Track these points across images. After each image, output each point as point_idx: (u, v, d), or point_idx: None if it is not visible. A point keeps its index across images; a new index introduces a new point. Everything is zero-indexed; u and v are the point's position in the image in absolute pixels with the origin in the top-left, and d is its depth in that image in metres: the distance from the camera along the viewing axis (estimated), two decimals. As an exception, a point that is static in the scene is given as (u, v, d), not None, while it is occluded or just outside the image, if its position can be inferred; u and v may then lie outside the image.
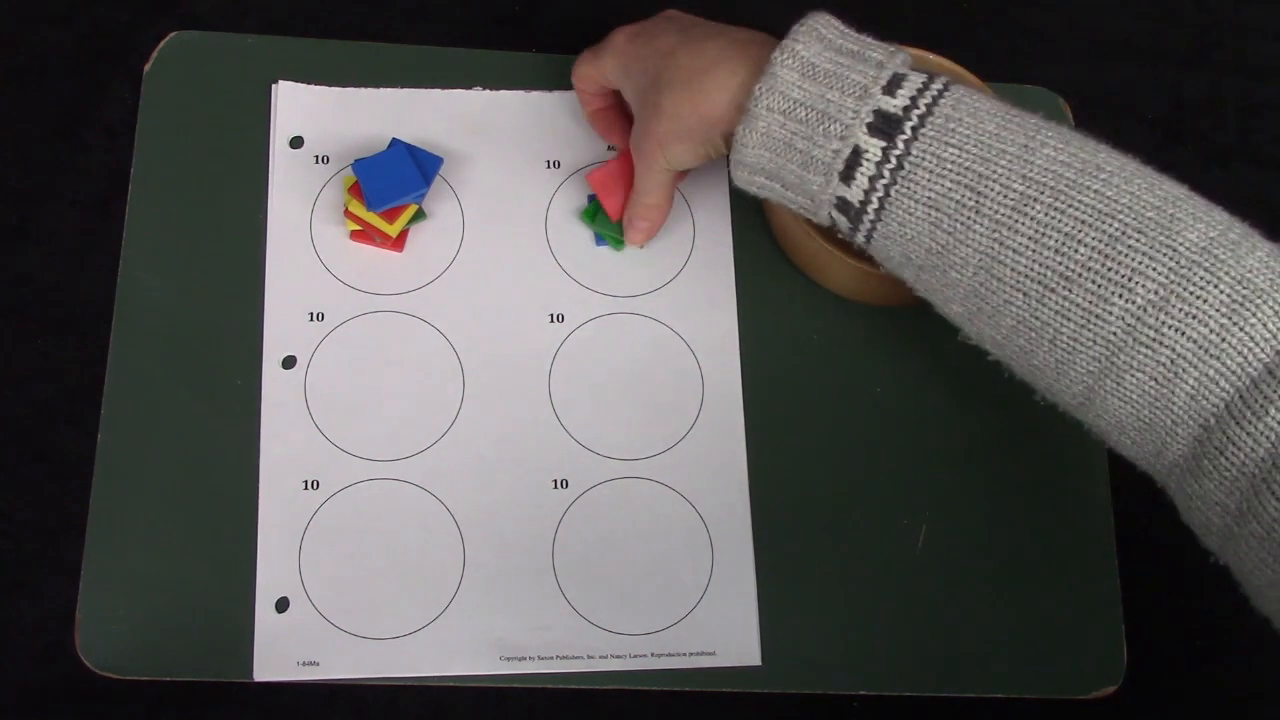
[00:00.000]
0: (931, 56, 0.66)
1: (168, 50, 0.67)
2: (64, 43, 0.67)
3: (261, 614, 0.60)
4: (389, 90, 0.67)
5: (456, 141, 0.67)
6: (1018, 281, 0.50)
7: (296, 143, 0.66)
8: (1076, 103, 0.73)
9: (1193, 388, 0.47)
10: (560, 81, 0.69)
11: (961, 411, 0.67)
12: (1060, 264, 0.49)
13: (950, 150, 0.50)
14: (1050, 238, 0.49)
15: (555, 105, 0.69)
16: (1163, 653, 0.65)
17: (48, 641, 0.59)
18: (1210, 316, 0.46)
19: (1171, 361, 0.47)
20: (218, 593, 0.60)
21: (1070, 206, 0.48)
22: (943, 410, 0.67)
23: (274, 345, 0.63)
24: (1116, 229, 0.48)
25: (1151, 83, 0.75)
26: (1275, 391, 0.45)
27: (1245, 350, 0.46)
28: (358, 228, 0.64)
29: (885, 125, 0.51)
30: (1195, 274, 0.47)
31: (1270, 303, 0.46)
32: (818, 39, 0.52)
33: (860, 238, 0.54)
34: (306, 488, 0.62)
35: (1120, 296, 0.48)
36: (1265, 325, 0.46)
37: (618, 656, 0.61)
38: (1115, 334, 0.48)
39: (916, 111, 0.51)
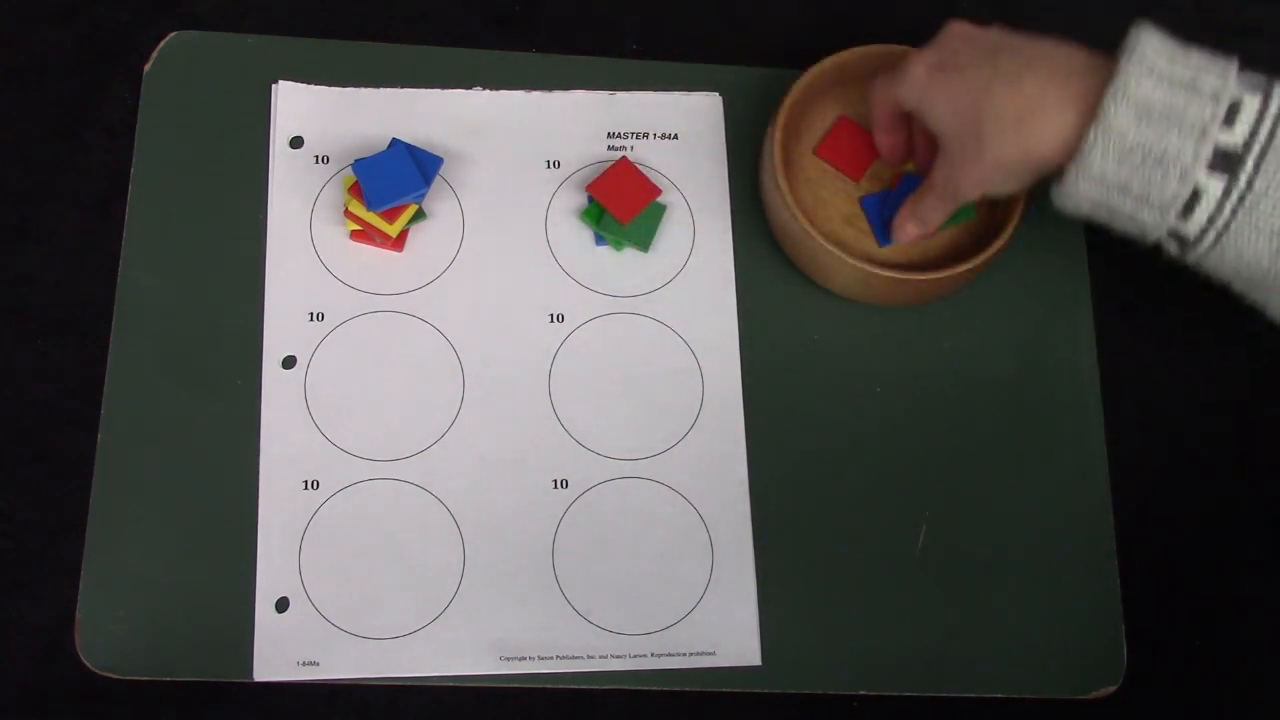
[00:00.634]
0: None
1: (168, 50, 0.67)
2: (64, 43, 0.67)
3: (261, 614, 0.60)
4: (389, 90, 0.67)
5: (456, 141, 0.67)
6: None
7: (296, 143, 0.66)
8: (1076, 103, 0.73)
9: None
10: (560, 81, 0.69)
11: (961, 411, 0.67)
12: None
13: None
14: None
15: (555, 105, 0.69)
16: (1163, 653, 0.65)
17: (48, 641, 0.59)
18: None
19: None
20: (218, 593, 0.60)
21: None
22: (943, 410, 0.67)
23: (274, 345, 0.63)
24: None
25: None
26: None
27: None
28: (358, 228, 0.64)
29: (1226, 161, 0.49)
30: None
31: None
32: (1148, 71, 0.50)
33: (1190, 260, 0.53)
34: (306, 488, 0.62)
35: None
36: None
37: (618, 656, 0.61)
38: None
39: (1258, 142, 0.49)
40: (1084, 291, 0.69)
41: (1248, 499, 0.68)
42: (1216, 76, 0.50)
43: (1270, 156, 0.49)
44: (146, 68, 0.67)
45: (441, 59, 0.69)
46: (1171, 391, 0.69)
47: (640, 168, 0.66)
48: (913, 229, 0.63)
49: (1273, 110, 0.49)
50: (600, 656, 0.61)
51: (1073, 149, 0.52)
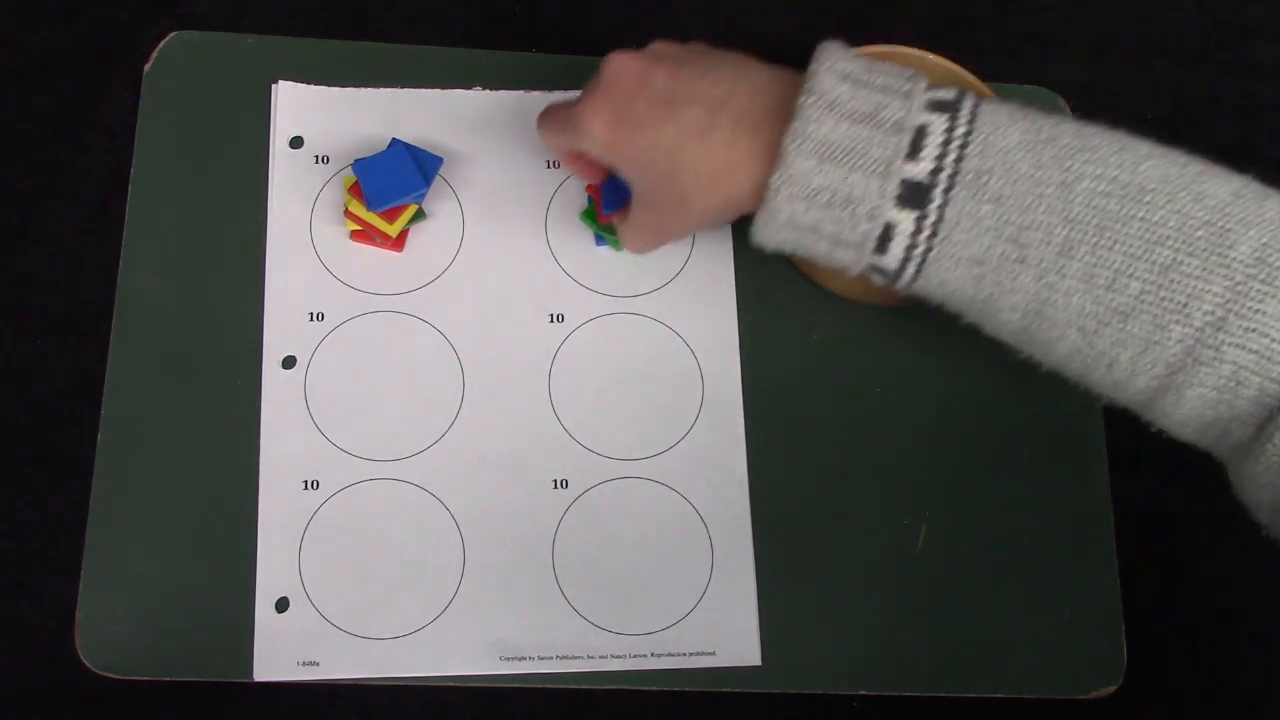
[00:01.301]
0: (931, 57, 0.66)
1: (168, 50, 0.67)
2: (64, 43, 0.67)
3: (261, 614, 0.60)
4: (389, 90, 0.67)
5: (456, 141, 0.67)
6: (1070, 319, 0.49)
7: (296, 143, 0.66)
8: (1076, 103, 0.73)
9: (1256, 392, 0.47)
10: (560, 82, 0.69)
11: (961, 411, 0.67)
12: (1113, 300, 0.47)
13: (986, 207, 0.48)
14: (1100, 276, 0.47)
15: (555, 105, 0.69)
16: (1163, 653, 0.65)
17: (48, 641, 0.59)
18: (1271, 327, 0.46)
19: (1234, 374, 0.47)
20: (218, 593, 0.60)
21: (1117, 243, 0.47)
22: (943, 410, 0.67)
23: (274, 345, 0.63)
24: (1167, 257, 0.46)
25: (1151, 83, 0.75)
26: None
27: None
28: (358, 228, 0.64)
29: (914, 195, 0.48)
30: (1252, 288, 0.46)
31: None
32: (828, 108, 0.48)
33: (900, 288, 0.52)
34: (306, 488, 0.62)
35: (1177, 323, 0.47)
36: None
37: (618, 656, 0.61)
38: (1174, 356, 0.47)
39: (944, 173, 0.48)
40: (1084, 291, 0.69)
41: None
42: (900, 100, 0.49)
43: (959, 186, 0.48)
44: (146, 68, 0.67)
45: (441, 59, 0.69)
46: (1171, 391, 0.69)
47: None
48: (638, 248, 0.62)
49: (959, 134, 0.48)
50: (600, 656, 0.61)
51: (762, 199, 0.51)
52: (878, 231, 0.49)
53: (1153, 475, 0.68)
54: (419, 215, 0.65)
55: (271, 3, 0.69)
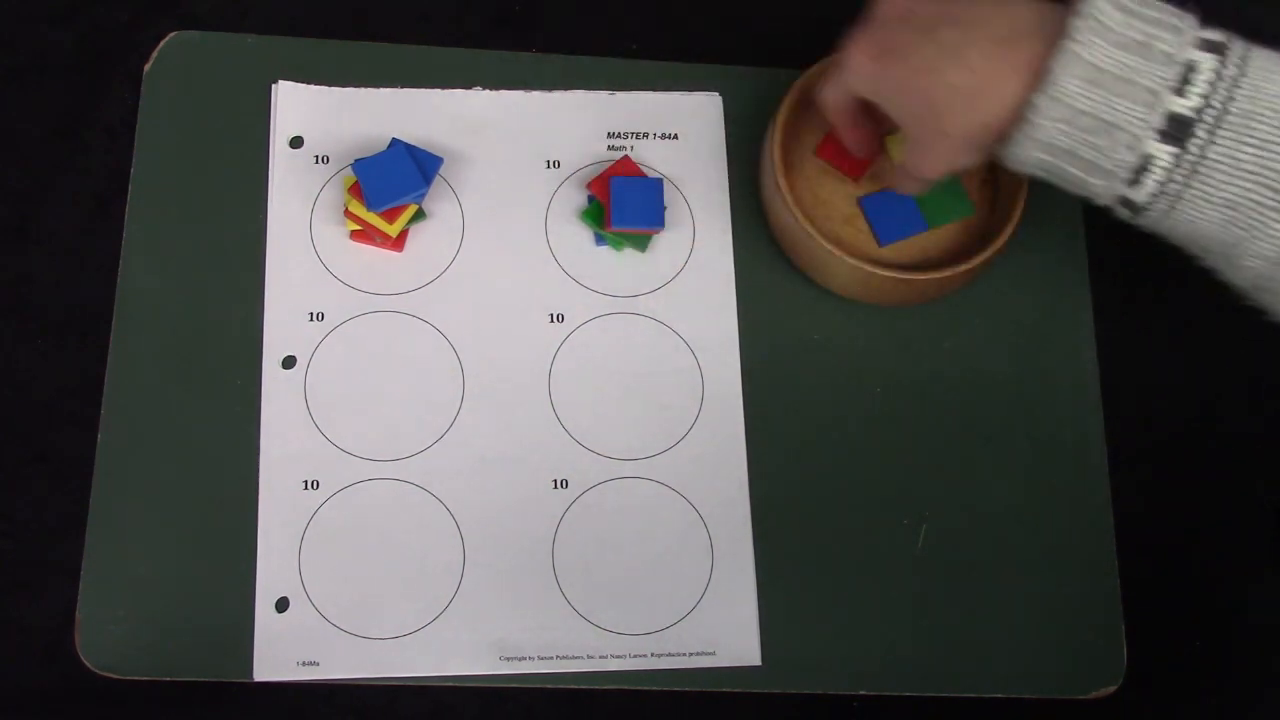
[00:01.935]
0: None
1: (168, 50, 0.67)
2: (64, 43, 0.67)
3: (261, 614, 0.60)
4: (389, 90, 0.67)
5: (456, 141, 0.67)
6: None
7: (296, 143, 0.66)
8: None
9: None
10: (560, 81, 0.69)
11: (961, 411, 0.67)
12: None
13: (1248, 151, 0.47)
14: None
15: (555, 105, 0.69)
16: (1163, 653, 0.65)
17: (48, 641, 0.59)
18: None
19: None
20: (218, 593, 0.60)
21: None
22: (942, 410, 0.67)
23: (274, 345, 0.63)
24: None
25: None
26: None
27: None
28: (358, 228, 0.64)
29: (1177, 130, 0.48)
30: None
31: None
32: (1102, 32, 0.48)
33: (1142, 224, 0.52)
34: (306, 488, 0.62)
35: None
36: None
37: (618, 656, 0.61)
38: None
39: (1211, 112, 0.47)
40: (1084, 291, 0.69)
41: (1248, 499, 0.68)
42: (1172, 34, 0.48)
43: (1225, 127, 0.48)
44: (146, 68, 0.67)
45: (441, 59, 0.69)
46: (1171, 391, 0.69)
47: (640, 167, 0.66)
48: (910, 190, 0.62)
49: (1228, 74, 0.48)
50: (600, 656, 0.61)
51: (1022, 117, 0.50)
52: (1135, 161, 0.49)
53: (1153, 475, 0.68)
54: (419, 215, 0.65)
55: (271, 3, 0.69)
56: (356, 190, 0.63)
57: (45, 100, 0.66)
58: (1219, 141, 0.48)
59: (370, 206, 0.61)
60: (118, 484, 0.61)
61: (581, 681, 0.61)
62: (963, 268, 0.63)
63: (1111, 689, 0.64)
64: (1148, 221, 0.51)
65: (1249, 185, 0.48)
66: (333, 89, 0.67)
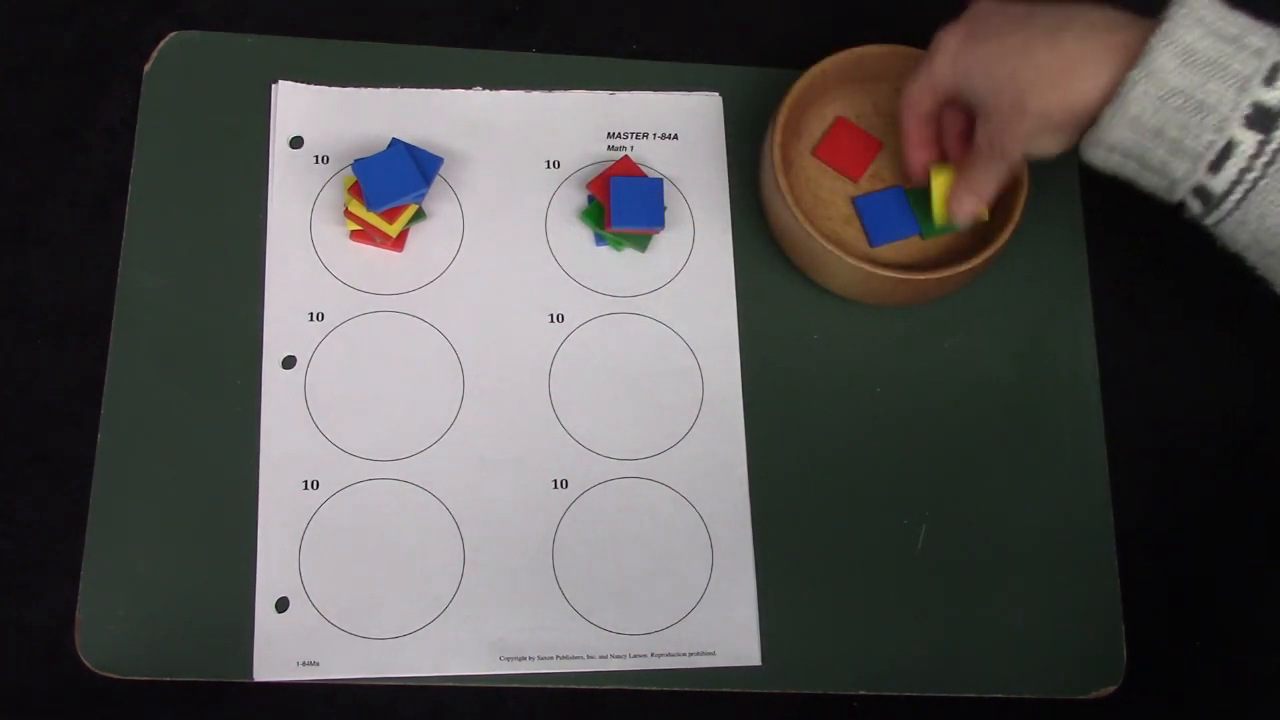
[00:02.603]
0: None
1: (168, 50, 0.67)
2: (64, 43, 0.67)
3: (261, 614, 0.60)
4: (389, 90, 0.67)
5: (456, 141, 0.67)
6: None
7: (296, 143, 0.66)
8: (1076, 103, 0.73)
9: None
10: (560, 81, 0.69)
11: (961, 411, 0.67)
12: None
13: None
14: None
15: (555, 105, 0.69)
16: (1163, 653, 0.65)
17: (48, 641, 0.59)
18: None
19: None
20: (218, 593, 0.60)
21: None
22: (943, 410, 0.67)
23: (274, 345, 0.63)
24: None
25: None
26: None
27: None
28: (358, 228, 0.64)
29: (1263, 118, 0.49)
30: None
31: None
32: (1197, 22, 0.50)
33: (1210, 221, 0.53)
34: (306, 488, 0.62)
35: None
36: None
37: (618, 656, 0.61)
38: None
39: None
40: (1084, 291, 0.69)
41: (1248, 499, 0.68)
42: (1263, 37, 0.50)
43: None
44: (146, 68, 0.67)
45: (441, 59, 0.69)
46: (1171, 391, 0.69)
47: (640, 167, 0.66)
48: (969, 202, 0.62)
49: None
50: (600, 656, 0.61)
51: (1114, 93, 0.51)
52: (1221, 144, 0.50)
53: (1153, 475, 0.68)
54: (419, 215, 0.65)
55: (271, 3, 0.69)
56: (356, 190, 0.63)
57: (45, 100, 0.66)
58: None
59: (370, 206, 0.61)
60: (118, 484, 0.61)
61: (581, 681, 0.61)
62: (963, 268, 0.63)
63: (1111, 689, 0.64)
64: (1216, 217, 0.52)
65: None
66: (333, 89, 0.67)
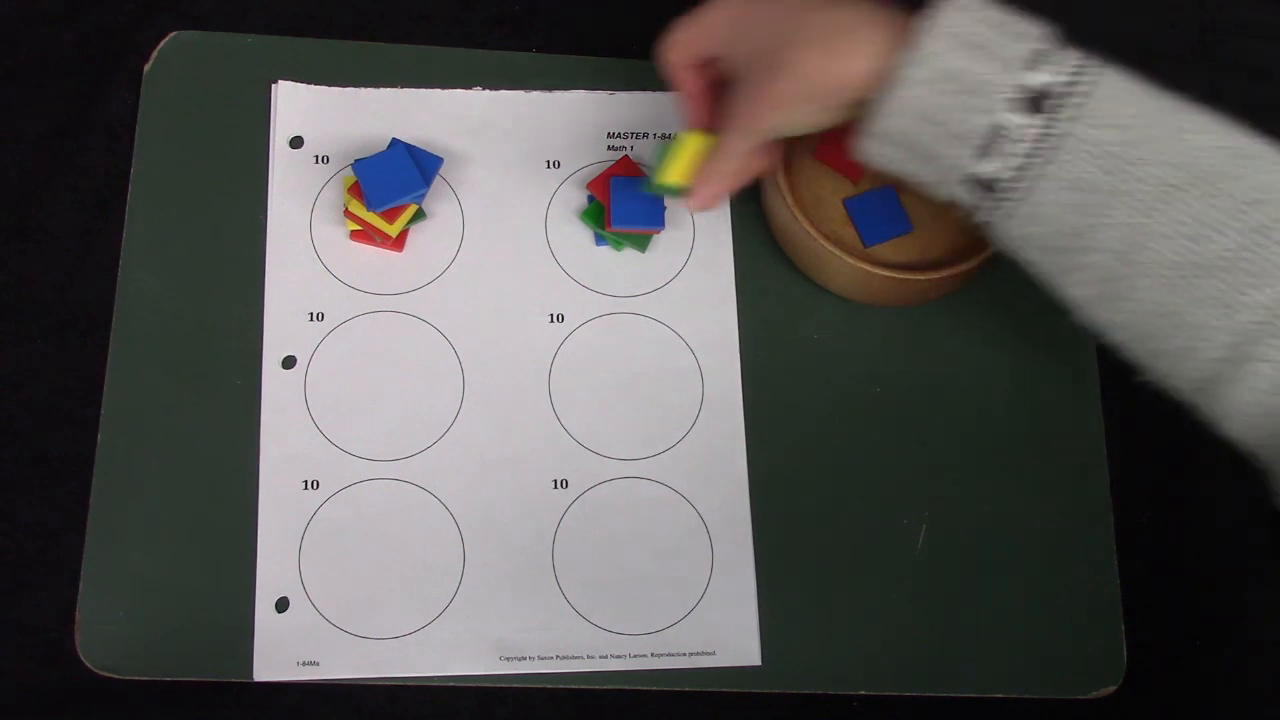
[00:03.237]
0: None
1: (168, 50, 0.67)
2: (64, 43, 0.67)
3: (261, 614, 0.60)
4: (389, 90, 0.68)
5: (456, 141, 0.67)
6: (1152, 269, 0.48)
7: (296, 143, 0.66)
8: (1076, 103, 0.73)
9: None
10: (560, 81, 0.69)
11: (961, 411, 0.67)
12: (1200, 253, 0.47)
13: (1106, 131, 0.48)
14: (1192, 226, 0.47)
15: (555, 105, 0.69)
16: (1163, 653, 0.65)
17: (48, 641, 0.59)
18: None
19: None
20: (218, 593, 0.60)
21: (1218, 195, 0.47)
22: (943, 410, 0.67)
23: (274, 345, 0.63)
24: (1262, 219, 0.47)
25: (1151, 82, 0.75)
26: None
27: None
28: (358, 228, 0.64)
29: (1029, 101, 0.49)
30: None
31: None
32: (962, 9, 0.51)
33: (988, 216, 0.52)
34: (306, 488, 0.62)
35: (1257, 289, 0.46)
36: None
37: (618, 656, 0.61)
38: (1249, 324, 0.47)
39: (1079, 88, 0.49)
40: (1084, 291, 0.69)
41: (1248, 499, 0.68)
42: (1024, 23, 0.51)
43: (1088, 102, 0.49)
44: (146, 68, 0.67)
45: (441, 59, 0.69)
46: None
47: (640, 167, 0.66)
48: (705, 189, 0.59)
49: (1093, 63, 0.50)
50: (600, 656, 0.61)
51: (881, 79, 0.51)
52: (986, 125, 0.49)
53: (1153, 475, 0.68)
54: (419, 215, 0.65)
55: (271, 3, 0.69)
56: (356, 190, 0.63)
57: (45, 100, 0.66)
58: (1077, 118, 0.49)
59: (370, 206, 0.61)
60: (118, 484, 0.61)
61: (581, 681, 0.61)
62: (962, 268, 0.63)
63: (1111, 689, 0.64)
64: (995, 209, 0.52)
65: (1098, 166, 0.49)
66: (333, 89, 0.67)
